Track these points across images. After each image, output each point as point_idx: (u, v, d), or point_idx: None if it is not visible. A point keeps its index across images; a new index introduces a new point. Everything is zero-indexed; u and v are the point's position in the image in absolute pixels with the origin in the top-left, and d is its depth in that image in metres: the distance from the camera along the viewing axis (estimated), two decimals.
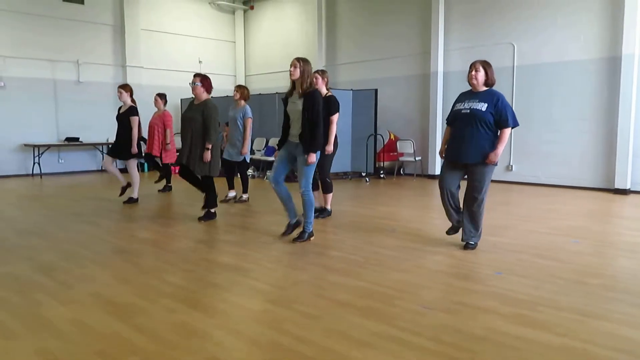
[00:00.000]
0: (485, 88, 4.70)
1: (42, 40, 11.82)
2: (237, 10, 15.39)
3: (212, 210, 6.31)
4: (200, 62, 14.52)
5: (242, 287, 3.80)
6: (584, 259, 4.50)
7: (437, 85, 11.03)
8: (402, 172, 11.99)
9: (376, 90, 11.05)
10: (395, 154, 11.57)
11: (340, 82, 12.90)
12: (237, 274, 4.10)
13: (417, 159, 11.32)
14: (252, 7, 15.27)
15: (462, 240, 4.89)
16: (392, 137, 11.56)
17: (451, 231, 5.08)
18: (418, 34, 11.53)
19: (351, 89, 11.36)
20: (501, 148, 4.60)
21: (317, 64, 13.07)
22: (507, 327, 2.97)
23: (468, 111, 4.62)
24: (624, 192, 8.61)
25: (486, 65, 4.68)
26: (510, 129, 4.61)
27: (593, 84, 9.04)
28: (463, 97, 4.81)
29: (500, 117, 4.56)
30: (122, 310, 3.29)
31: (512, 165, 10.13)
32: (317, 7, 13.30)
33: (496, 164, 4.68)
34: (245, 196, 7.77)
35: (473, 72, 4.66)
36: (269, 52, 14.93)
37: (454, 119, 4.79)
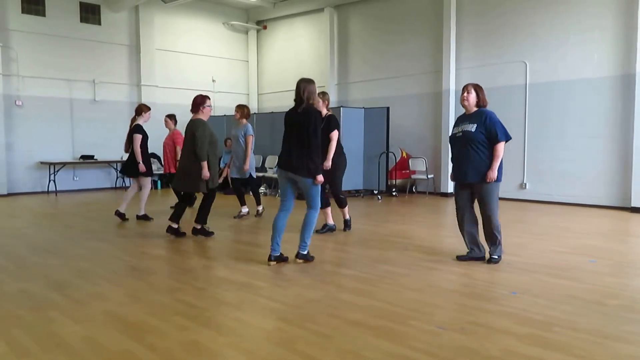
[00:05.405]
0: (476, 109, 4.87)
1: (59, 60, 12.07)
2: (251, 30, 15.60)
3: (190, 225, 6.52)
4: (213, 80, 14.70)
5: (253, 305, 3.78)
6: (602, 279, 4.41)
7: (449, 104, 11.03)
8: (414, 190, 11.94)
9: (388, 109, 11.08)
10: (408, 171, 11.54)
11: (352, 100, 12.96)
12: (249, 292, 4.08)
13: (429, 176, 11.28)
14: (265, 27, 15.48)
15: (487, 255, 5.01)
16: (404, 154, 11.54)
17: (463, 257, 5.08)
18: (430, 52, 11.59)
19: (363, 107, 11.40)
20: (496, 164, 4.72)
21: (329, 83, 13.18)
22: (524, 349, 2.92)
23: (461, 134, 4.83)
24: None
25: (477, 87, 4.88)
26: (502, 143, 4.73)
27: (607, 101, 8.98)
28: (459, 120, 5.02)
29: (490, 133, 4.71)
30: (134, 328, 3.28)
31: (525, 184, 10.03)
32: (329, 27, 13.44)
33: (499, 180, 4.79)
34: (260, 208, 8.00)
35: (465, 94, 4.86)
36: (281, 71, 15.07)
37: (452, 143, 5.00)
